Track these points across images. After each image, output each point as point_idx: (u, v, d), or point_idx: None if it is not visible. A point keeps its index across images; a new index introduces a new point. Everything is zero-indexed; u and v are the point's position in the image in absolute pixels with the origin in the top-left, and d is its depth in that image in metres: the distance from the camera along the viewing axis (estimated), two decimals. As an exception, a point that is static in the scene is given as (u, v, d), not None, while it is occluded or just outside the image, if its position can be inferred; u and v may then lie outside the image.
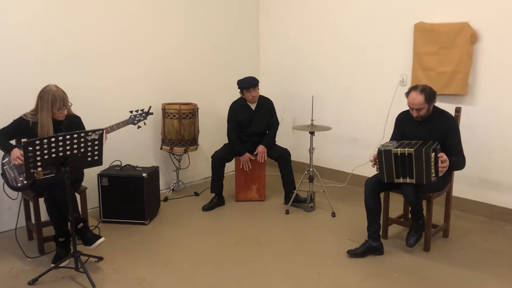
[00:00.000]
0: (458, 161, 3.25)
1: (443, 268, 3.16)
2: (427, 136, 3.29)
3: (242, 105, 4.46)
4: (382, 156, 3.18)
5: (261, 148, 4.39)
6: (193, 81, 5.04)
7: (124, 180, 3.92)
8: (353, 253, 3.33)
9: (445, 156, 3.10)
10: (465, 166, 3.31)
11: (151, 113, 3.81)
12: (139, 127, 3.74)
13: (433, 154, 3.03)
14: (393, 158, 3.14)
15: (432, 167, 3.04)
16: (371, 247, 3.33)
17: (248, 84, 4.35)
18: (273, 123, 4.56)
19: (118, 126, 3.55)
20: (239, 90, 4.43)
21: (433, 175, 3.06)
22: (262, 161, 4.39)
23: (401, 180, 3.19)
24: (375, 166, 3.28)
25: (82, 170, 3.43)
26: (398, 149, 3.13)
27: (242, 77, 4.42)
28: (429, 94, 3.24)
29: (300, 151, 5.19)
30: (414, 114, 3.30)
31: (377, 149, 3.23)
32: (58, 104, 3.20)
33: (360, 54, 4.78)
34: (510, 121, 3.85)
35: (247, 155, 4.39)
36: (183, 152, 4.61)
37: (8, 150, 3.23)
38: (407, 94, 3.31)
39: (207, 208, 4.34)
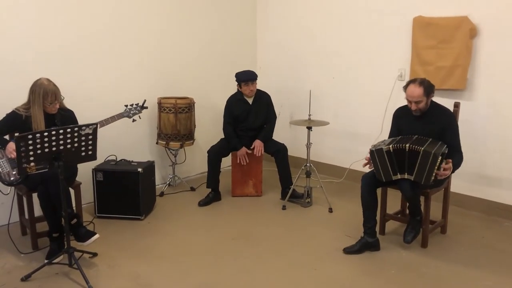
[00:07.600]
0: (457, 162, 3.22)
1: (440, 265, 3.14)
2: (424, 131, 3.26)
3: (239, 100, 4.41)
4: (375, 156, 3.17)
5: (257, 143, 4.35)
6: (189, 75, 4.99)
7: (119, 175, 3.88)
8: (349, 251, 3.30)
9: (450, 165, 3.07)
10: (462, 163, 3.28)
11: (146, 107, 3.77)
12: (134, 120, 3.73)
13: (440, 158, 2.99)
14: (386, 156, 3.13)
15: (435, 171, 3.01)
16: (367, 243, 3.31)
17: (246, 77, 4.30)
18: (270, 117, 4.51)
19: (113, 119, 3.53)
20: (236, 83, 4.39)
21: (432, 178, 3.04)
22: (259, 154, 4.35)
23: (398, 176, 3.17)
24: (370, 167, 3.27)
25: (76, 165, 3.39)
26: (390, 146, 3.12)
27: (241, 70, 4.38)
28: (428, 87, 3.22)
29: (297, 146, 5.15)
30: (413, 107, 3.26)
31: (369, 150, 3.21)
32: (49, 98, 3.16)
33: (358, 49, 4.74)
34: (509, 116, 3.82)
35: (244, 149, 4.34)
36: (179, 147, 4.57)
37: (2, 144, 3.18)
38: (405, 87, 3.28)
39: (203, 203, 4.30)
